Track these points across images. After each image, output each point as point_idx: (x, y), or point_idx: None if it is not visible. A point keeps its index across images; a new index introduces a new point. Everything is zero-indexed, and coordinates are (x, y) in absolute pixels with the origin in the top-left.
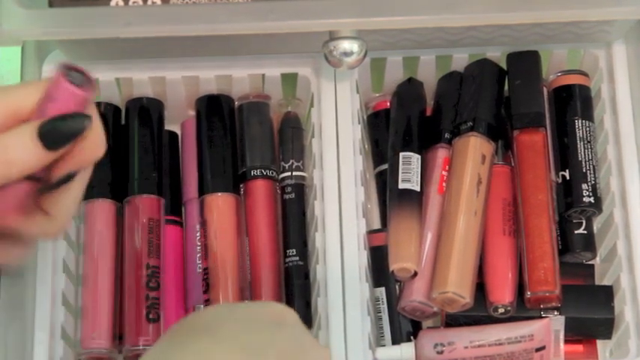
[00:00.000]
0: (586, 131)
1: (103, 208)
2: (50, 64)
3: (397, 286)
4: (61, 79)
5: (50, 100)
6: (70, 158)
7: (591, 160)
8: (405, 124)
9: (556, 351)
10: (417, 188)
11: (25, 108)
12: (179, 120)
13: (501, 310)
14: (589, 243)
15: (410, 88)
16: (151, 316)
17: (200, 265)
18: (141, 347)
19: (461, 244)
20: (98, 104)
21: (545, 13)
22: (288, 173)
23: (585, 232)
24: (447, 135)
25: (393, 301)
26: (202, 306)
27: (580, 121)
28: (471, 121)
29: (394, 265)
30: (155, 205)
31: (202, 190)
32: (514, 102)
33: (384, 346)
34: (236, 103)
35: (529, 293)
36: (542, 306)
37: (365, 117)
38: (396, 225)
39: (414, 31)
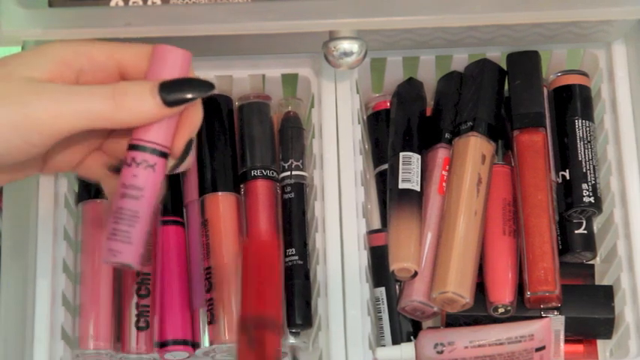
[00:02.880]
0: (586, 131)
1: (102, 208)
2: None
3: (397, 286)
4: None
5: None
6: (183, 126)
7: (591, 160)
8: (405, 124)
9: (556, 351)
10: (417, 188)
11: (129, 65)
12: None
13: (501, 310)
14: (589, 243)
15: (410, 88)
16: (140, 324)
17: (202, 265)
18: (128, 355)
19: (461, 244)
20: None
21: (545, 13)
22: (288, 173)
23: (585, 232)
24: (447, 135)
25: (393, 301)
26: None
27: (580, 121)
28: (471, 121)
29: (394, 265)
30: None
31: (203, 190)
32: (514, 102)
33: (384, 346)
34: (236, 103)
35: (529, 293)
36: (542, 306)
37: (365, 117)
38: (396, 225)
39: (414, 31)
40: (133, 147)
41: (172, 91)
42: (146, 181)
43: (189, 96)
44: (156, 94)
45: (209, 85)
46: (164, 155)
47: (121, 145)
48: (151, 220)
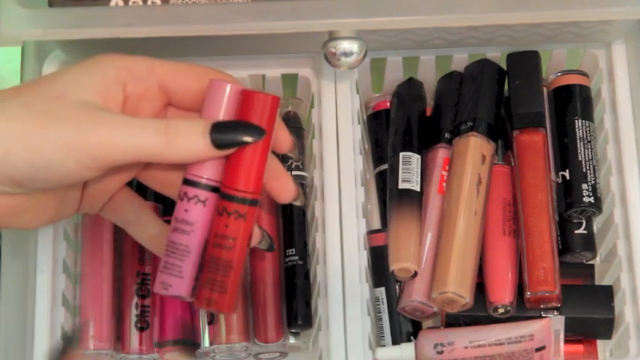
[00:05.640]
0: (586, 131)
1: None
2: (50, 64)
3: (397, 286)
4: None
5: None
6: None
7: (591, 160)
8: (405, 124)
9: (556, 351)
10: (417, 188)
11: (169, 80)
12: None
13: (501, 310)
14: (589, 243)
15: (410, 88)
16: (139, 324)
17: None
18: (128, 355)
19: (461, 244)
20: None
21: (545, 13)
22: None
23: (585, 232)
24: (447, 135)
25: (393, 301)
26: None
27: (580, 121)
28: (471, 121)
29: (394, 265)
30: None
31: None
32: (514, 102)
33: (384, 346)
34: None
35: (529, 293)
36: (542, 306)
37: (365, 117)
38: (396, 225)
39: (414, 31)
40: (185, 181)
41: (224, 134)
42: (197, 216)
43: (240, 140)
44: (207, 135)
45: (261, 131)
46: (216, 190)
47: (158, 177)
48: (203, 254)
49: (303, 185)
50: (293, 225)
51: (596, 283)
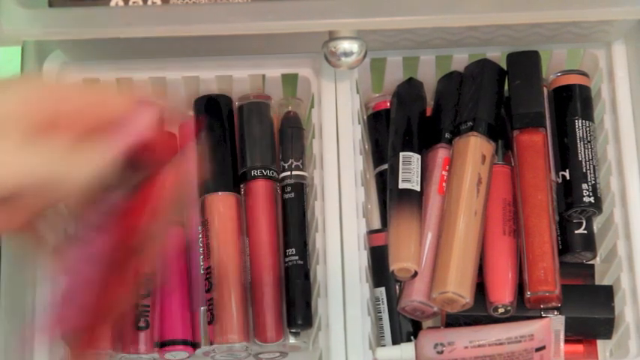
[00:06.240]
0: (586, 131)
1: None
2: (50, 64)
3: (397, 286)
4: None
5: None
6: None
7: (591, 160)
8: (405, 124)
9: (556, 351)
10: (417, 188)
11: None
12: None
13: (501, 310)
14: (589, 243)
15: (410, 88)
16: (140, 324)
17: (202, 265)
18: (128, 355)
19: (461, 244)
20: None
21: (545, 13)
22: (288, 173)
23: (585, 232)
24: (447, 135)
25: (393, 301)
26: (205, 307)
27: (580, 121)
28: (471, 121)
29: (394, 265)
30: None
31: (203, 190)
32: (514, 102)
33: (384, 346)
34: (236, 103)
35: (529, 293)
36: (542, 306)
37: (365, 117)
38: (396, 225)
39: (414, 31)
40: None
41: None
42: None
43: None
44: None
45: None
46: None
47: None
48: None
49: (303, 185)
50: (292, 225)
51: (596, 283)
